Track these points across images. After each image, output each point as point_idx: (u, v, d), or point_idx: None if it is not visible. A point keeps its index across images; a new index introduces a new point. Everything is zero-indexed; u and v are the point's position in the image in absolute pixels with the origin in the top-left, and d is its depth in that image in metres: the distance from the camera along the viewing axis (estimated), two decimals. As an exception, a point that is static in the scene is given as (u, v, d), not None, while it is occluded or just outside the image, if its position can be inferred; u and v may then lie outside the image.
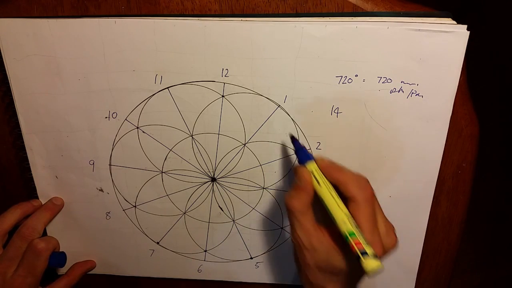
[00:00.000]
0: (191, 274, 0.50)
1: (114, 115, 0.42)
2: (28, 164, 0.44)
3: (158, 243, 0.48)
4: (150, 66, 0.40)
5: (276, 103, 0.41)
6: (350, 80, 0.39)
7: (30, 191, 0.46)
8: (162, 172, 0.44)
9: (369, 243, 0.32)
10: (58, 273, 0.49)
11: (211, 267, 0.49)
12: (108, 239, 0.48)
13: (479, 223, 0.52)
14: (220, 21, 0.38)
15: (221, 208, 0.46)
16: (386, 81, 0.39)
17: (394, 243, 0.35)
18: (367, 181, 0.35)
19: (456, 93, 0.39)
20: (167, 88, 0.41)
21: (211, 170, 0.44)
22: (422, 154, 0.42)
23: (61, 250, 0.48)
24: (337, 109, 0.40)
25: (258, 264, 0.49)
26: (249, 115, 0.41)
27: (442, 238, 0.46)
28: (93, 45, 0.39)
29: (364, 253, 0.31)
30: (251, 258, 0.48)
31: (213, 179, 0.45)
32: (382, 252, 0.33)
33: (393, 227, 0.36)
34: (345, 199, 0.34)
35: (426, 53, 0.38)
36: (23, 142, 0.44)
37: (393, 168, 0.42)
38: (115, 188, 0.45)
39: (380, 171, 0.43)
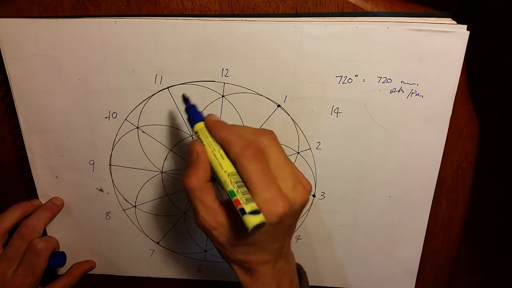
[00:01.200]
0: (191, 274, 0.50)
1: (114, 115, 0.42)
2: (28, 164, 0.44)
3: (158, 243, 0.48)
4: (150, 66, 0.40)
5: (276, 103, 0.41)
6: (350, 80, 0.39)
7: (30, 191, 0.46)
8: (162, 172, 0.44)
9: (267, 200, 0.30)
10: (58, 273, 0.49)
11: (211, 267, 0.49)
12: (108, 239, 0.48)
13: (479, 223, 0.52)
14: (220, 21, 0.38)
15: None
16: (386, 81, 0.39)
17: (303, 195, 0.32)
18: (258, 137, 0.32)
19: (456, 93, 0.39)
20: (167, 88, 0.41)
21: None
22: (422, 154, 0.42)
23: (61, 250, 0.48)
24: (337, 109, 0.40)
25: (258, 264, 0.48)
26: (249, 115, 0.41)
27: (442, 238, 0.46)
28: (93, 45, 0.39)
29: (242, 210, 0.29)
30: (251, 258, 0.48)
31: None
32: (288, 205, 0.30)
33: (305, 180, 0.33)
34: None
35: (426, 53, 0.38)
36: (23, 142, 0.44)
37: (393, 168, 0.42)
38: (115, 188, 0.45)
39: (380, 171, 0.43)
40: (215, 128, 0.33)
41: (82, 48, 0.39)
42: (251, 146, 0.31)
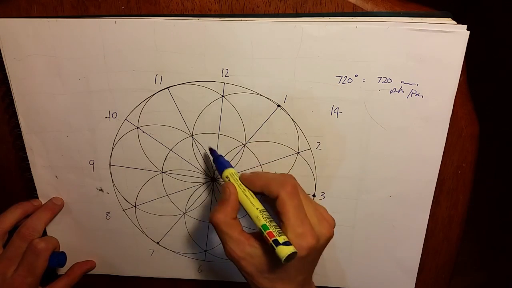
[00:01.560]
0: (191, 274, 0.50)
1: (114, 115, 0.42)
2: (28, 164, 0.44)
3: (158, 243, 0.48)
4: (150, 66, 0.40)
5: (276, 103, 0.41)
6: (350, 80, 0.39)
7: (30, 191, 0.46)
8: (162, 172, 0.44)
9: (299, 234, 0.33)
10: (58, 273, 0.49)
11: (211, 267, 0.49)
12: (108, 239, 0.48)
13: (479, 223, 0.52)
14: (220, 21, 0.38)
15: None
16: (386, 81, 0.39)
17: (328, 231, 0.35)
18: (290, 178, 0.35)
19: (456, 93, 0.39)
20: (167, 88, 0.41)
21: (211, 170, 0.44)
22: (422, 154, 0.42)
23: (61, 250, 0.48)
24: (337, 109, 0.40)
25: (258, 264, 0.48)
26: (249, 115, 0.41)
27: (442, 238, 0.46)
28: (93, 45, 0.39)
29: (276, 241, 0.32)
30: (251, 258, 0.48)
31: (213, 179, 0.45)
32: (316, 240, 0.33)
33: (328, 216, 0.37)
34: (273, 201, 0.35)
35: (426, 53, 0.38)
36: (23, 142, 0.44)
37: (393, 168, 0.42)
38: (115, 188, 0.45)
39: (380, 171, 0.43)
40: (252, 179, 0.37)
41: (82, 48, 0.39)
42: (289, 183, 0.34)
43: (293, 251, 0.32)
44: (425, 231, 0.45)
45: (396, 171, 0.42)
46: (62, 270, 0.49)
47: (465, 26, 0.37)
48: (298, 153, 0.43)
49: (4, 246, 0.44)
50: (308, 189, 0.44)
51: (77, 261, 0.49)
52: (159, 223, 0.47)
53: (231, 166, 0.39)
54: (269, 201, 0.36)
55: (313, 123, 0.41)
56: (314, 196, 0.44)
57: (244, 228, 0.36)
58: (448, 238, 0.46)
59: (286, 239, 0.32)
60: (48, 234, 0.47)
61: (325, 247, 0.36)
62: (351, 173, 0.43)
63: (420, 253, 0.46)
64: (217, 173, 0.44)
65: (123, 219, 0.47)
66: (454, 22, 0.37)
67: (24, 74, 0.41)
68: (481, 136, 0.42)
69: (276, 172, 0.43)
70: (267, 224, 0.34)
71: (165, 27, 0.38)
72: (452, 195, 0.44)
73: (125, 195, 0.46)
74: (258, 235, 0.35)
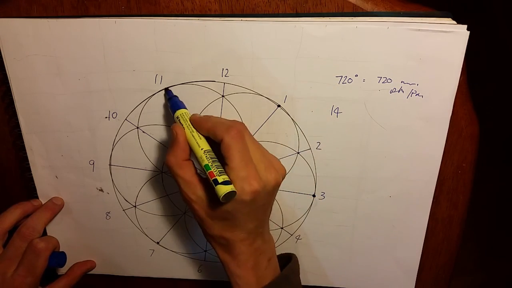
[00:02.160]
0: (191, 274, 0.50)
1: (114, 115, 0.42)
2: (28, 164, 0.44)
3: (158, 243, 0.48)
4: (150, 66, 0.40)
5: (276, 103, 0.41)
6: (350, 80, 0.39)
7: (30, 191, 0.46)
8: (162, 172, 0.44)
9: (242, 177, 0.33)
10: (58, 273, 0.49)
11: (211, 267, 0.49)
12: (108, 239, 0.48)
13: (479, 223, 0.52)
14: (220, 21, 0.38)
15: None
16: (386, 81, 0.39)
17: (275, 178, 0.35)
18: (238, 124, 0.35)
19: (456, 93, 0.39)
20: (167, 88, 0.41)
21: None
22: (422, 154, 0.42)
23: (61, 250, 0.48)
24: (337, 109, 0.40)
25: (258, 264, 0.48)
26: (249, 115, 0.41)
27: (442, 238, 0.46)
28: (93, 45, 0.39)
29: (216, 181, 0.33)
30: (251, 258, 0.48)
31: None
32: (260, 185, 0.34)
33: (278, 164, 0.37)
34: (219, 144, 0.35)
35: (426, 53, 0.38)
36: (23, 142, 0.44)
37: (393, 168, 0.42)
38: (115, 188, 0.45)
39: (380, 171, 0.43)
40: (200, 121, 0.36)
41: (82, 48, 0.39)
42: (234, 127, 0.34)
43: (231, 190, 0.32)
44: (425, 231, 0.45)
45: (396, 171, 0.42)
46: (62, 270, 0.49)
47: (465, 26, 0.37)
48: (298, 153, 0.43)
49: (4, 246, 0.44)
50: (308, 189, 0.44)
51: (77, 261, 0.49)
52: (159, 223, 0.47)
53: (184, 107, 0.39)
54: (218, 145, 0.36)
55: (313, 123, 0.41)
56: (314, 196, 0.44)
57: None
58: (448, 238, 0.46)
59: (227, 179, 0.33)
60: (48, 234, 0.47)
61: (273, 195, 0.37)
62: (351, 173, 0.43)
63: (420, 253, 0.46)
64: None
65: (123, 219, 0.47)
66: (454, 22, 0.37)
67: (24, 74, 0.41)
68: (481, 136, 0.42)
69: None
70: (209, 164, 0.34)
71: (165, 27, 0.38)
72: (452, 195, 0.44)
73: (125, 195, 0.46)
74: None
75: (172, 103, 0.39)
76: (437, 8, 0.38)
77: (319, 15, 0.38)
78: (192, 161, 0.36)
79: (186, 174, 0.35)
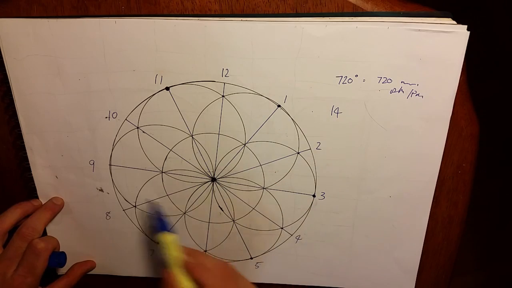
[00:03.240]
0: (191, 274, 0.50)
1: (114, 115, 0.42)
2: (28, 164, 0.44)
3: (158, 243, 0.48)
4: (151, 66, 0.40)
5: (276, 103, 0.41)
6: (350, 80, 0.39)
7: (30, 191, 0.46)
8: (162, 172, 0.44)
9: None
10: (58, 273, 0.49)
11: (211, 267, 0.49)
12: (108, 239, 0.48)
13: (479, 223, 0.52)
14: (220, 21, 0.38)
15: (221, 208, 0.46)
16: (386, 81, 0.39)
17: None
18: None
19: (456, 93, 0.39)
20: (167, 88, 0.41)
21: (211, 170, 0.44)
22: (422, 154, 0.42)
23: (61, 250, 0.48)
24: (337, 109, 0.40)
25: (258, 264, 0.48)
26: (249, 115, 0.41)
27: (442, 238, 0.46)
28: (94, 45, 0.39)
29: None
30: (251, 258, 0.48)
31: (213, 179, 0.45)
32: None
33: None
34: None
35: (426, 53, 0.38)
36: (23, 142, 0.44)
37: (393, 168, 0.42)
38: (115, 188, 0.45)
39: (380, 171, 0.43)
40: (194, 269, 0.37)
41: (83, 48, 0.39)
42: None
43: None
44: (425, 231, 0.45)
45: (396, 171, 0.42)
46: (62, 270, 0.49)
47: (465, 26, 0.37)
48: (298, 153, 0.43)
49: (4, 246, 0.43)
50: (308, 189, 0.44)
51: (77, 261, 0.49)
52: (159, 223, 0.47)
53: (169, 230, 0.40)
54: None
55: (313, 123, 0.41)
56: (314, 196, 0.44)
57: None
58: (448, 238, 0.46)
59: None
60: (48, 234, 0.47)
61: None
62: (351, 173, 0.43)
63: (420, 253, 0.46)
64: (218, 173, 0.44)
65: (123, 219, 0.47)
66: (454, 22, 0.37)
67: (24, 74, 0.41)
68: (481, 136, 0.42)
69: (277, 172, 0.43)
70: None
71: (166, 27, 0.38)
72: (452, 195, 0.44)
73: (125, 195, 0.46)
74: None
75: (159, 223, 0.40)
76: (437, 8, 0.38)
77: (319, 15, 0.38)
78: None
79: None
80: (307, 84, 0.40)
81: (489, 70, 0.44)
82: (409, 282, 0.47)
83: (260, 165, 0.43)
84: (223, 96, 0.41)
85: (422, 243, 0.45)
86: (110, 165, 0.44)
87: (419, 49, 0.38)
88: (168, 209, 0.46)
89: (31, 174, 0.45)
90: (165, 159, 0.44)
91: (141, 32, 0.38)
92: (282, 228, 0.46)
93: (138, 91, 0.41)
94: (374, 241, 0.46)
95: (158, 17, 0.38)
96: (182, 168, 0.44)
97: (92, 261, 0.49)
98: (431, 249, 0.46)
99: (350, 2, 0.38)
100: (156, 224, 0.40)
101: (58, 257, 0.46)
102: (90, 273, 0.49)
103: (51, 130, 0.43)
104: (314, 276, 0.48)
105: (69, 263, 0.48)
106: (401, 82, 0.39)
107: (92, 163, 0.44)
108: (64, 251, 0.48)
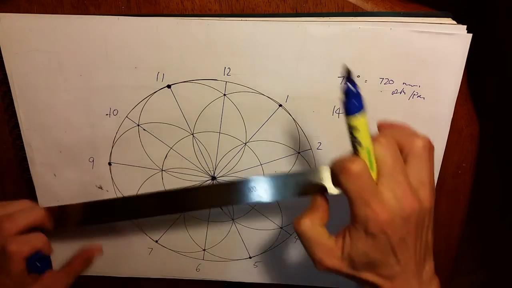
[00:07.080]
0: (190, 273, 0.49)
1: (115, 112, 0.42)
2: (28, 164, 0.44)
3: (157, 241, 0.48)
4: (152, 64, 0.40)
5: (277, 103, 0.41)
6: (351, 80, 0.39)
7: (30, 191, 0.46)
8: (162, 170, 0.44)
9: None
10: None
11: (210, 266, 0.49)
12: (107, 238, 0.48)
13: (479, 223, 0.52)
14: (223, 20, 0.38)
15: (220, 207, 0.46)
16: (388, 82, 0.39)
17: (409, 205, 0.30)
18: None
19: (457, 93, 0.39)
20: (169, 86, 0.41)
21: (211, 169, 0.44)
22: (423, 154, 0.42)
23: (60, 250, 0.46)
24: (338, 110, 0.41)
25: (256, 264, 0.48)
26: (250, 114, 0.41)
27: (442, 238, 0.46)
28: (96, 41, 0.39)
29: None
30: (250, 257, 0.48)
31: (213, 178, 0.45)
32: (390, 217, 0.30)
33: (423, 192, 0.31)
34: None
35: (428, 54, 0.38)
36: (22, 142, 0.43)
37: (393, 168, 0.42)
38: (114, 186, 0.45)
39: (380, 170, 0.42)
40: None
41: (84, 44, 0.39)
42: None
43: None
44: (425, 231, 0.45)
45: (396, 171, 0.42)
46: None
47: (465, 26, 0.37)
48: (299, 153, 0.43)
49: None
50: (308, 189, 0.44)
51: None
52: (158, 222, 0.47)
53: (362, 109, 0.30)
54: None
55: (314, 123, 0.41)
56: (314, 195, 0.44)
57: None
58: (448, 238, 0.46)
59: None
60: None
61: (409, 224, 0.30)
62: (351, 173, 0.43)
63: (420, 253, 0.46)
64: (218, 172, 0.44)
65: (122, 218, 0.47)
66: (454, 22, 0.37)
67: (25, 70, 0.41)
68: (481, 136, 0.42)
69: (277, 171, 0.43)
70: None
71: (168, 25, 0.38)
72: (452, 195, 0.44)
73: (124, 193, 0.45)
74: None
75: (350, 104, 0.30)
76: (437, 8, 0.38)
77: (319, 15, 0.38)
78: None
79: (322, 240, 0.34)
80: (309, 84, 0.40)
81: (489, 70, 0.44)
82: (409, 283, 0.47)
83: (261, 164, 0.43)
84: (224, 94, 0.41)
85: (422, 243, 0.45)
86: (109, 162, 0.44)
87: (421, 50, 0.38)
88: (168, 208, 0.46)
89: (31, 174, 0.45)
90: (165, 157, 0.44)
91: (143, 29, 0.38)
92: (281, 228, 0.46)
93: (139, 89, 0.41)
94: (374, 241, 0.46)
95: (159, 17, 0.38)
96: (182, 166, 0.44)
97: (99, 244, 0.44)
98: (431, 249, 0.46)
99: (350, 2, 0.38)
100: (350, 103, 0.30)
101: (40, 262, 0.40)
102: (90, 273, 0.49)
103: (51, 126, 0.43)
104: (314, 276, 0.48)
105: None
106: (403, 84, 0.39)
107: (91, 160, 0.44)
108: (62, 251, 0.46)
